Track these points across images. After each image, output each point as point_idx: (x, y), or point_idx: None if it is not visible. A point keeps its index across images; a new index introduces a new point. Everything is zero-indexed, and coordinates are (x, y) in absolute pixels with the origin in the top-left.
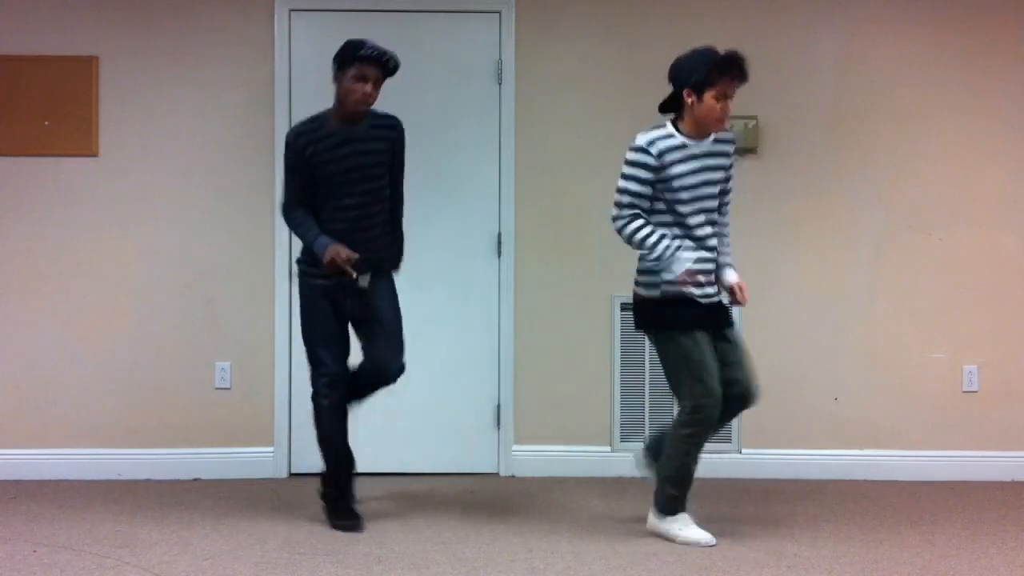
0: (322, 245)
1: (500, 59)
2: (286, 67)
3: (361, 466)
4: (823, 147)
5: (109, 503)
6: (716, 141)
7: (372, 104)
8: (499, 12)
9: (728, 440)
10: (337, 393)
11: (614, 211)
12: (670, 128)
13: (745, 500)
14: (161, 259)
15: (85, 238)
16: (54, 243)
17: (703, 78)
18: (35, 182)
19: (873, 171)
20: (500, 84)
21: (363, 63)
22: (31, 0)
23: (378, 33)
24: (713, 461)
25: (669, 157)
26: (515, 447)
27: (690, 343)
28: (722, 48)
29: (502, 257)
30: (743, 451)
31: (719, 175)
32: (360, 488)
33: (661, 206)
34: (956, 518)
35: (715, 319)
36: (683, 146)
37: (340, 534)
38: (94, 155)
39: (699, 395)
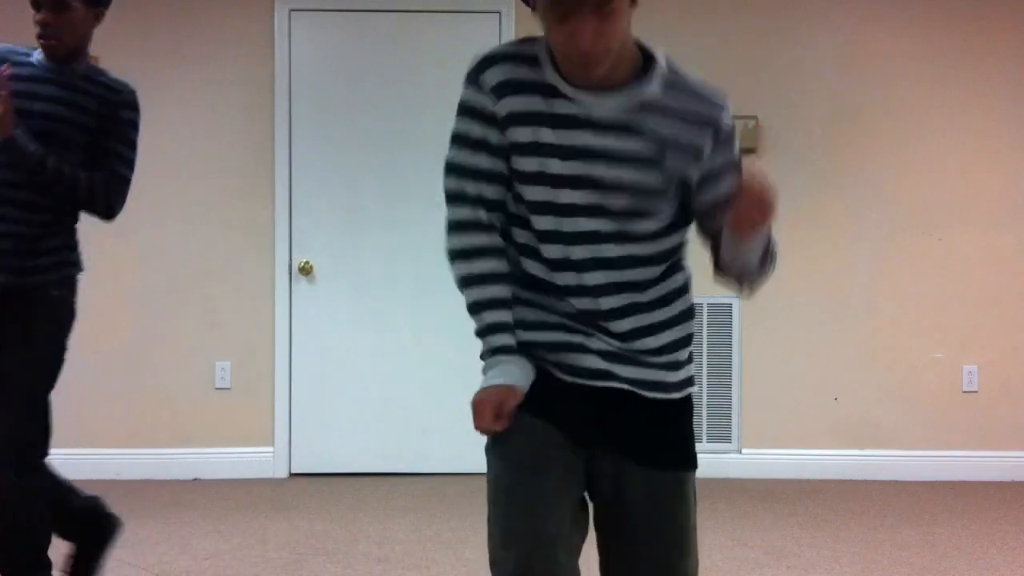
0: None
1: None
2: (286, 67)
3: (363, 467)
4: (823, 147)
5: (109, 503)
6: (655, 98)
7: (62, 36)
8: (499, 12)
9: (728, 440)
10: None
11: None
12: (532, 45)
13: (745, 500)
14: (161, 259)
15: (84, 238)
16: None
17: None
18: None
19: (873, 171)
20: None
21: None
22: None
23: (378, 33)
24: (713, 461)
25: (511, 101)
26: None
27: (505, 455)
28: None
29: None
30: (743, 451)
31: (636, 173)
32: (362, 488)
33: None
34: (956, 518)
35: (608, 432)
36: (547, 91)
37: (341, 534)
38: None
39: (492, 562)
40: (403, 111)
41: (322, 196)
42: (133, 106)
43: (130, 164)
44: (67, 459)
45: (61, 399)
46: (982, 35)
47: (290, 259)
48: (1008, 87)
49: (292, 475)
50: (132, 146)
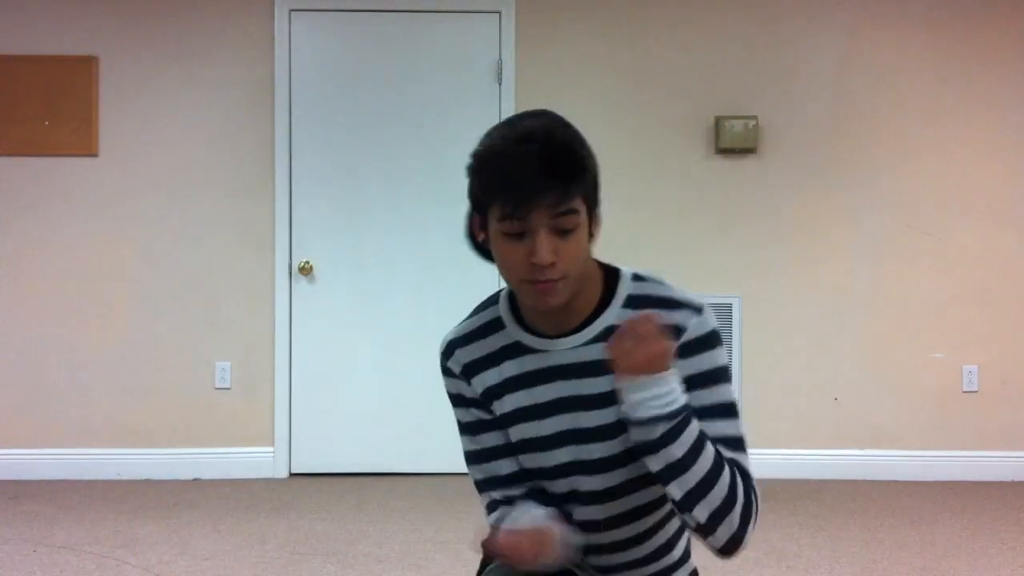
0: None
1: (500, 59)
2: (286, 67)
3: (363, 467)
4: (823, 147)
5: (109, 503)
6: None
7: None
8: (499, 12)
9: None
10: None
11: None
12: (494, 308)
13: None
14: (161, 259)
15: (85, 238)
16: (54, 243)
17: (472, 198)
18: (35, 182)
19: (873, 171)
20: (500, 84)
21: None
22: (31, 0)
23: (378, 33)
24: None
25: (482, 378)
26: None
27: None
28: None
29: None
30: None
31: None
32: (362, 488)
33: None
34: (956, 518)
35: None
36: (514, 351)
37: (341, 534)
38: (94, 155)
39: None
40: (403, 111)
41: (322, 196)
42: None
43: None
44: (67, 459)
45: (62, 399)
46: (983, 35)
47: (290, 259)
48: (1009, 87)
49: (292, 475)
50: None
